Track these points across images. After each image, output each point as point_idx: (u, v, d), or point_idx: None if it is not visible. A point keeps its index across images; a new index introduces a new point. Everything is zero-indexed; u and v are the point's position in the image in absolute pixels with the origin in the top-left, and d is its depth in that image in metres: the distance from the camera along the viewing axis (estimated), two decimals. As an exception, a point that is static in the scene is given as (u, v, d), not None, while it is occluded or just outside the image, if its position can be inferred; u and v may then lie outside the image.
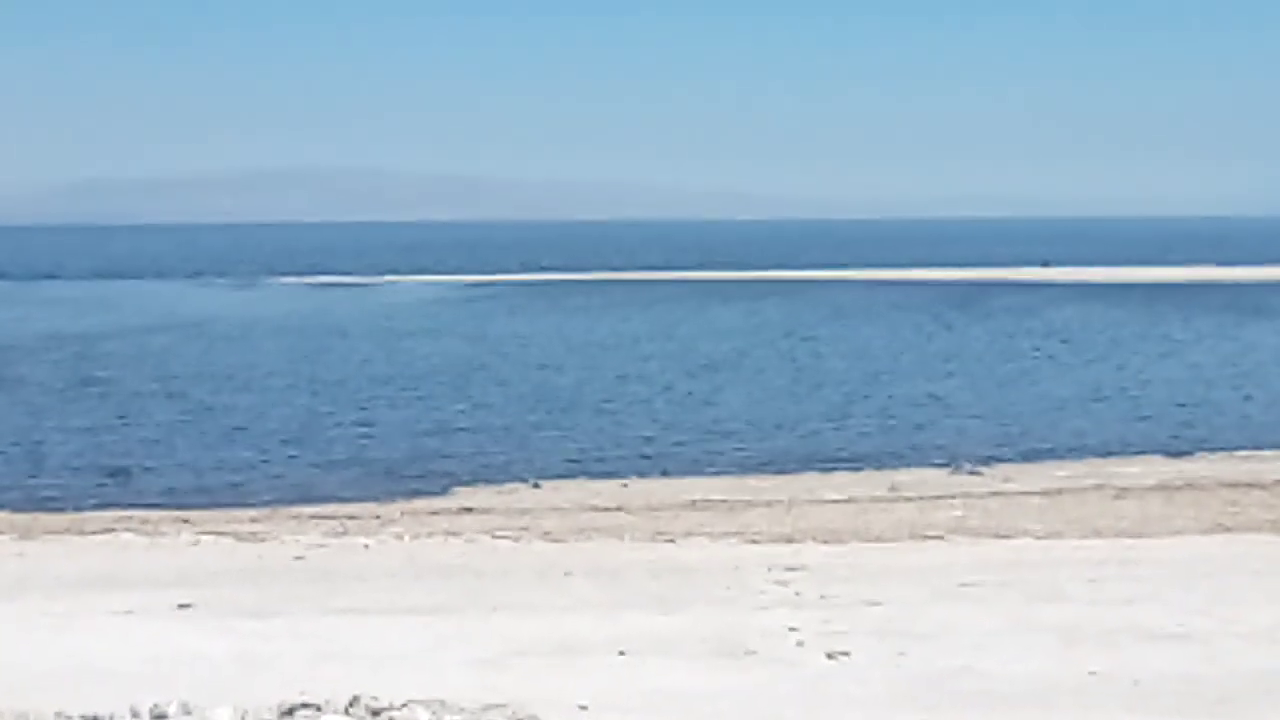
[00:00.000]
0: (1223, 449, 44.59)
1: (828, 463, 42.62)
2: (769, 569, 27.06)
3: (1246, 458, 43.05)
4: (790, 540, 30.74)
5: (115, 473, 41.53)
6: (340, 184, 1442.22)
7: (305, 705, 17.28)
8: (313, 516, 34.75)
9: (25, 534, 32.49)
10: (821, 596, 24.53)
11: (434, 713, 16.03)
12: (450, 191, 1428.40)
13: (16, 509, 36.24)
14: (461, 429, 49.41)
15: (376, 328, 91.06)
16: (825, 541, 30.57)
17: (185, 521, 33.93)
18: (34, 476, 41.27)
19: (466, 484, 39.75)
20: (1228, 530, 31.55)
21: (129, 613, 23.84)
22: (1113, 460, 42.63)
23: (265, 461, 43.55)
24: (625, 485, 39.34)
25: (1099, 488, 37.72)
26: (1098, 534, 31.18)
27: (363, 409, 54.24)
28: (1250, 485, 37.61)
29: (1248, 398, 56.63)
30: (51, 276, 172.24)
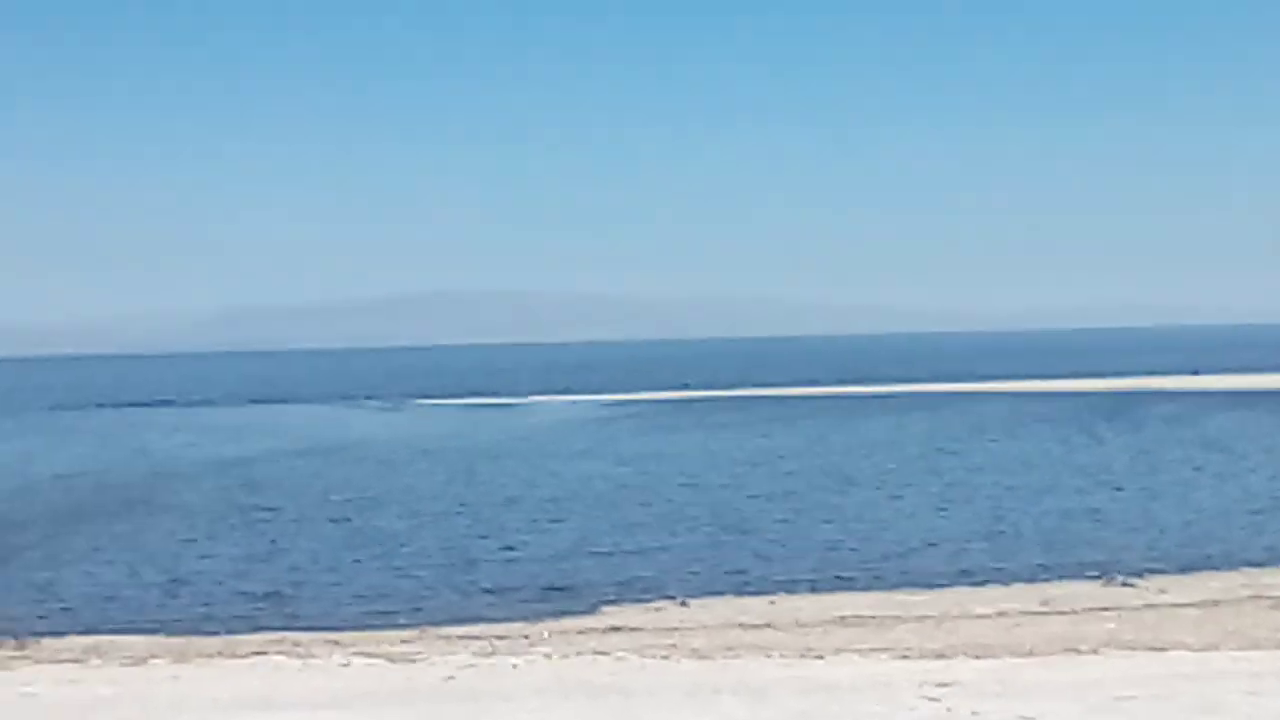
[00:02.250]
0: (1384, 558, 43.69)
1: (978, 576, 42.19)
2: (919, 685, 26.75)
3: None
4: (941, 656, 30.39)
5: (268, 595, 41.97)
6: (484, 307, 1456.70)
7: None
8: (462, 637, 34.86)
9: (179, 657, 32.85)
10: (974, 713, 24.19)
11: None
12: (593, 311, 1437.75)
13: (171, 632, 36.72)
14: (609, 547, 49.45)
15: (523, 448, 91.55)
16: (976, 656, 30.20)
17: (336, 643, 34.15)
18: (189, 600, 41.80)
19: (614, 603, 39.74)
20: (1392, 641, 30.81)
21: (282, 735, 23.99)
22: (1269, 570, 41.88)
23: (415, 583, 43.78)
24: (773, 602, 39.14)
25: (1255, 598, 37.03)
26: (1255, 645, 30.55)
27: (512, 529, 54.48)
28: None
29: None
30: (209, 403, 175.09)
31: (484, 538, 52.52)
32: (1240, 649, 30.26)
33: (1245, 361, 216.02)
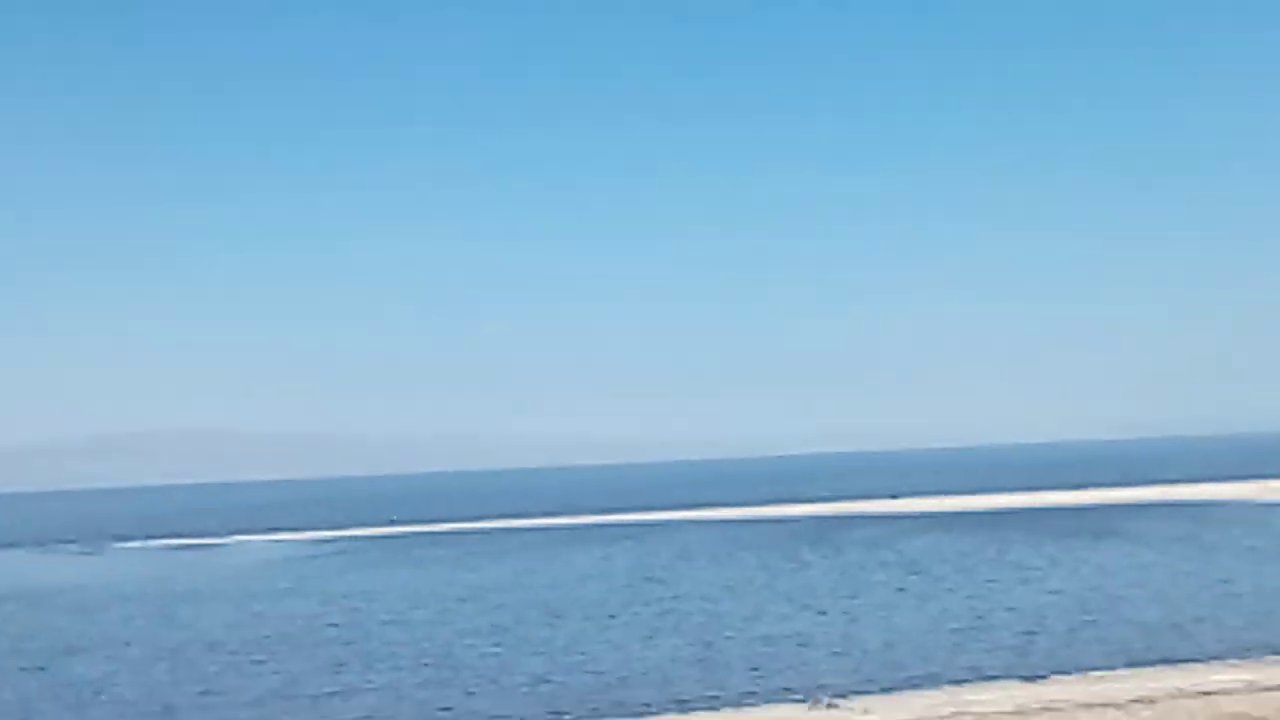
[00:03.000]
0: (1077, 670, 44.91)
1: (685, 703, 42.29)
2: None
3: (1100, 678, 43.36)
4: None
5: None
6: (184, 445, 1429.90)
7: None
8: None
9: None
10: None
11: None
12: (297, 450, 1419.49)
13: None
14: (313, 689, 48.47)
15: (226, 589, 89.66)
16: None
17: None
18: None
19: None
20: (1084, 752, 31.57)
21: None
22: (969, 687, 42.73)
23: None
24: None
25: (956, 715, 37.72)
26: (957, 762, 31.07)
27: (213, 673, 53.18)
28: (1105, 705, 37.80)
29: (1098, 619, 57.14)
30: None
31: (185, 682, 51.19)
32: (942, 766, 30.75)
33: (940, 484, 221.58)
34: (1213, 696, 38.61)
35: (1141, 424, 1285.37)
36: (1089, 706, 37.89)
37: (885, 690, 43.22)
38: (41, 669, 56.28)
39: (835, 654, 50.94)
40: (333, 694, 47.06)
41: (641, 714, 40.98)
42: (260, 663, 55.31)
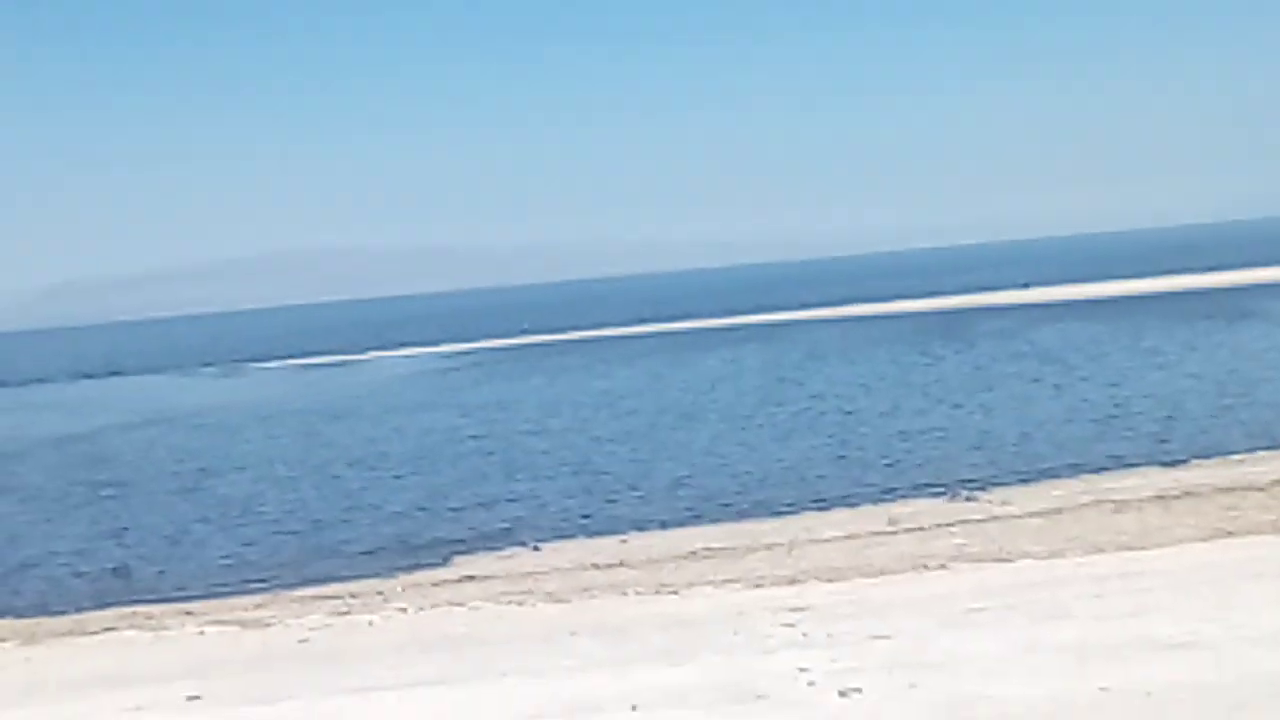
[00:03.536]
0: (1217, 455, 44.71)
1: (825, 501, 42.62)
2: (774, 612, 27.01)
3: (1240, 461, 43.17)
4: (793, 582, 30.70)
5: (116, 570, 41.46)
6: (312, 265, 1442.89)
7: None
8: (315, 597, 34.68)
9: (29, 639, 32.38)
10: (829, 635, 24.48)
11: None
12: (425, 264, 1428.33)
13: (19, 615, 36.15)
14: (457, 499, 49.31)
15: (364, 406, 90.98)
16: (828, 580, 30.55)
17: (188, 613, 33.84)
18: (36, 581, 41.15)
19: (466, 553, 39.67)
20: (1228, 535, 31.59)
21: (138, 709, 23.75)
22: (1108, 475, 42.68)
23: (265, 547, 43.44)
24: (624, 541, 39.28)
25: (1097, 503, 37.76)
26: (1099, 549, 31.18)
27: (357, 488, 54.21)
28: (1247, 489, 37.68)
29: (1237, 402, 56.68)
30: (41, 380, 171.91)
31: (330, 498, 52.20)
32: (1084, 554, 30.88)
33: (1074, 272, 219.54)
34: (1357, 475, 38.40)
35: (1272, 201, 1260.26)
36: (1230, 490, 37.78)
37: (1023, 481, 43.30)
38: (191, 490, 57.55)
39: (972, 447, 51.00)
40: (478, 503, 47.79)
41: (782, 513, 41.37)
42: (400, 477, 56.22)
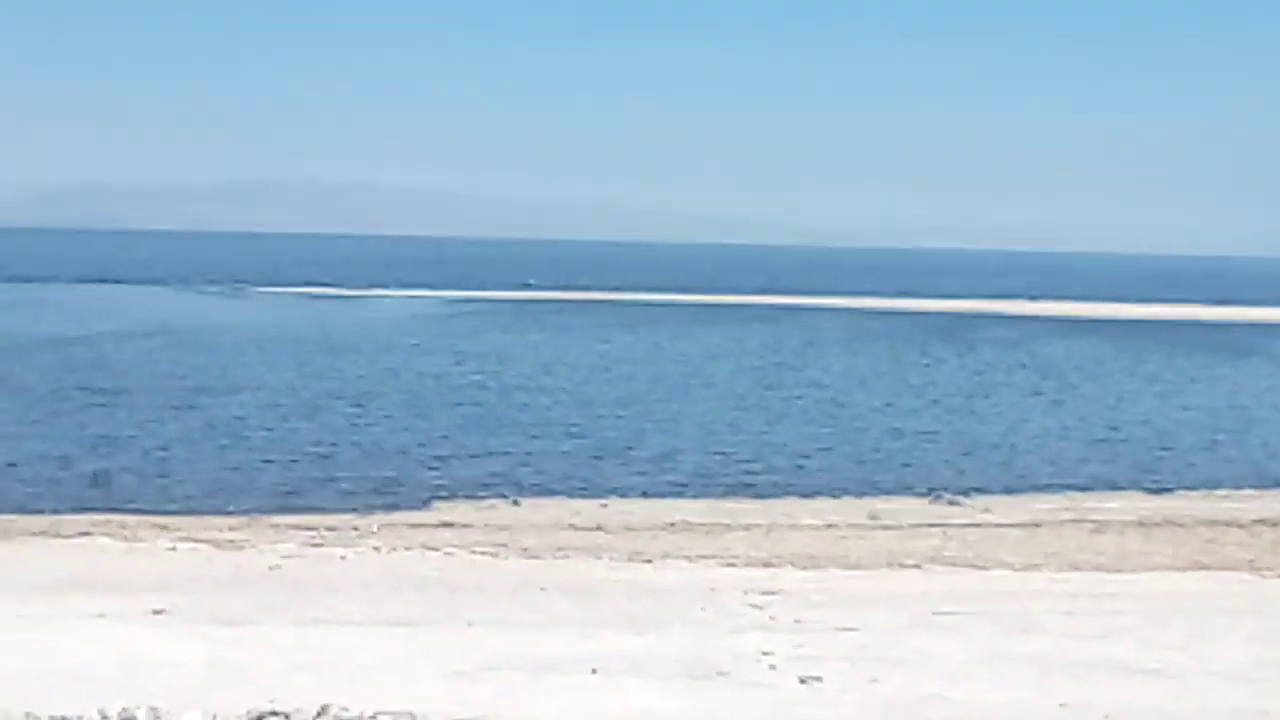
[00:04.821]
0: (1202, 487, 44.71)
1: (808, 489, 42.64)
2: (744, 592, 27.04)
3: (1225, 496, 43.18)
4: (767, 565, 30.71)
5: (96, 476, 41.49)
6: (323, 196, 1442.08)
7: (274, 714, 17.28)
8: (291, 526, 34.67)
9: (2, 536, 32.41)
10: (796, 621, 24.51)
11: (404, 725, 16.00)
12: (433, 207, 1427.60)
13: (-5, 510, 36.17)
14: (442, 446, 49.37)
15: (362, 342, 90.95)
16: (802, 567, 30.55)
17: (163, 528, 33.85)
18: (18, 479, 41.18)
19: (446, 499, 39.73)
20: (1205, 568, 31.58)
21: (102, 616, 23.79)
22: (1092, 495, 42.70)
23: (247, 472, 43.48)
24: (604, 505, 39.33)
25: (1077, 522, 37.77)
26: (1074, 568, 31.19)
27: (346, 423, 54.20)
28: (1229, 524, 37.65)
29: (1229, 438, 56.68)
30: (43, 280, 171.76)
31: (318, 430, 52.21)
32: (1059, 570, 30.89)
33: (1081, 289, 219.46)
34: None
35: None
36: (1212, 523, 37.78)
37: (1008, 491, 43.31)
38: (182, 407, 57.47)
39: (962, 453, 50.99)
40: (461, 454, 47.81)
41: (765, 496, 41.40)
42: (390, 417, 56.18)
